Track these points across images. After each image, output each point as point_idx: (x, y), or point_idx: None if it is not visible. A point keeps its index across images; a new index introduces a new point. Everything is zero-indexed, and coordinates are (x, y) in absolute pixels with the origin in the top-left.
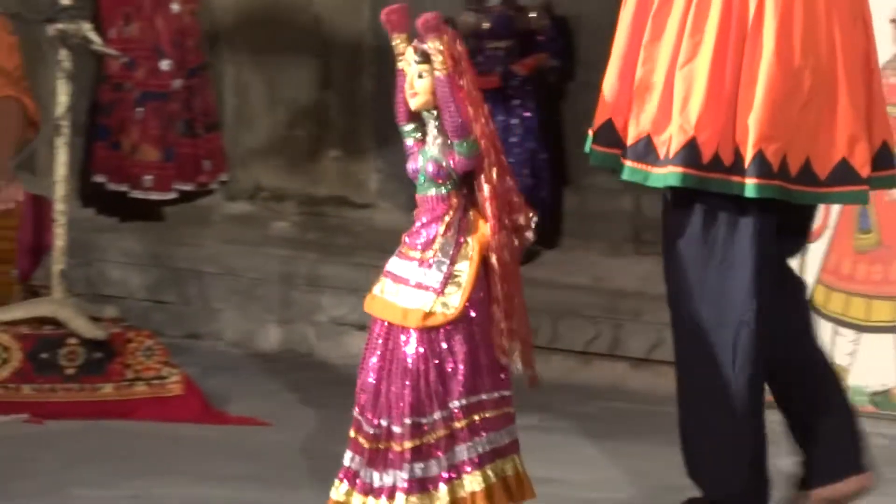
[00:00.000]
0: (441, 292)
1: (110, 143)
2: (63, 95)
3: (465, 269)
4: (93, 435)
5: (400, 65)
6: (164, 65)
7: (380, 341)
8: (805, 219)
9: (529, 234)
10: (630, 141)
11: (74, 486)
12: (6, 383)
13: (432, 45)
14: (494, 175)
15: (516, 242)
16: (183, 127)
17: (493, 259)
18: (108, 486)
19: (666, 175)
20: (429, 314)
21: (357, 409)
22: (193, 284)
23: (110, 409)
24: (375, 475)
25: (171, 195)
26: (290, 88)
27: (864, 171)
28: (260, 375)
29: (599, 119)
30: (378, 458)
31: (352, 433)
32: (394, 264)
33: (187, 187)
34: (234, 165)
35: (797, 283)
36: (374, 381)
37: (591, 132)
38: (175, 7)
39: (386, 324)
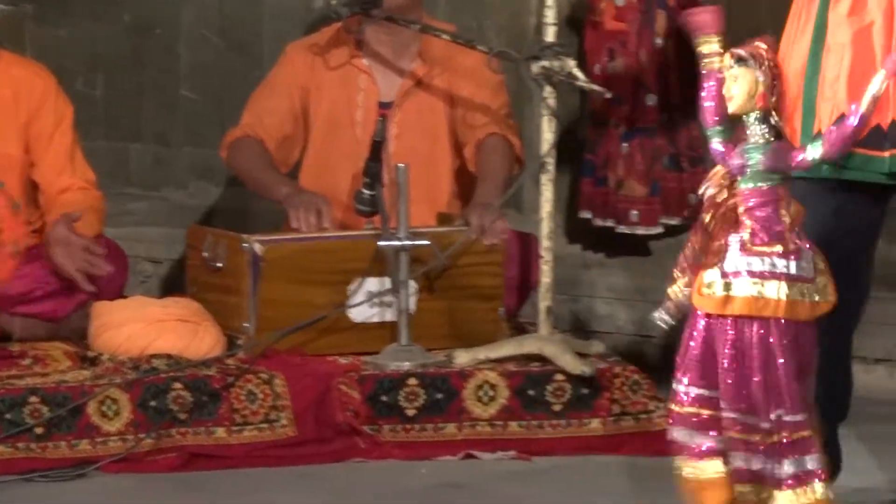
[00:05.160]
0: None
1: (596, 178)
2: (548, 133)
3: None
4: (581, 471)
5: (707, 67)
6: (650, 100)
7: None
8: None
9: None
10: None
11: None
12: (494, 420)
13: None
14: None
15: None
16: (668, 161)
17: None
18: None
19: None
20: (815, 304)
21: None
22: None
23: (597, 445)
24: None
25: (657, 229)
26: None
27: None
28: None
29: None
30: None
31: None
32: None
33: (673, 221)
34: None
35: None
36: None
37: None
38: (659, 41)
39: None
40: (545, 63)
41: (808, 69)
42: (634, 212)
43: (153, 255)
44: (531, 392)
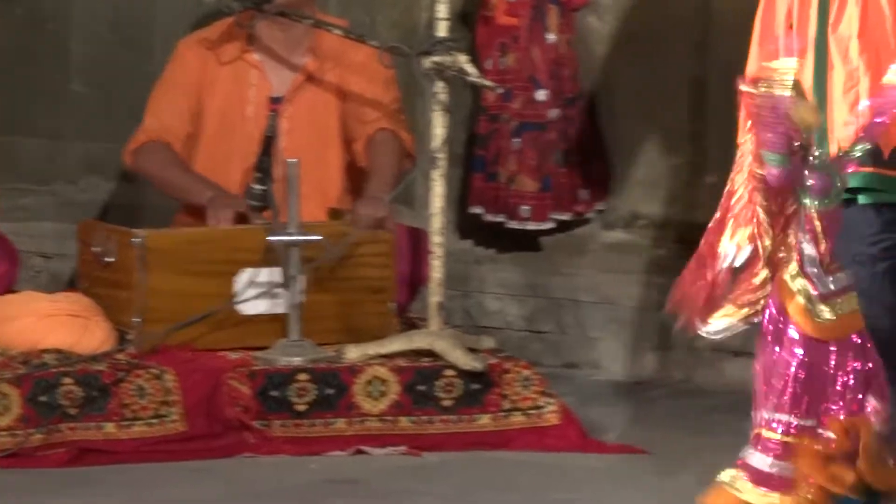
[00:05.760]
0: None
1: (487, 174)
2: (439, 128)
3: None
4: (471, 466)
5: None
6: (541, 95)
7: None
8: None
9: None
10: None
11: None
12: (384, 416)
13: None
14: None
15: None
16: (560, 157)
17: None
18: None
19: None
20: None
21: None
22: (570, 314)
23: (487, 440)
24: None
25: (548, 225)
26: (665, 115)
27: None
28: (637, 403)
29: None
30: None
31: None
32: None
33: (564, 217)
34: (610, 194)
35: None
36: None
37: None
38: (551, 37)
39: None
40: (437, 58)
41: (815, 98)
42: (525, 207)
43: (44, 250)
44: (421, 387)
